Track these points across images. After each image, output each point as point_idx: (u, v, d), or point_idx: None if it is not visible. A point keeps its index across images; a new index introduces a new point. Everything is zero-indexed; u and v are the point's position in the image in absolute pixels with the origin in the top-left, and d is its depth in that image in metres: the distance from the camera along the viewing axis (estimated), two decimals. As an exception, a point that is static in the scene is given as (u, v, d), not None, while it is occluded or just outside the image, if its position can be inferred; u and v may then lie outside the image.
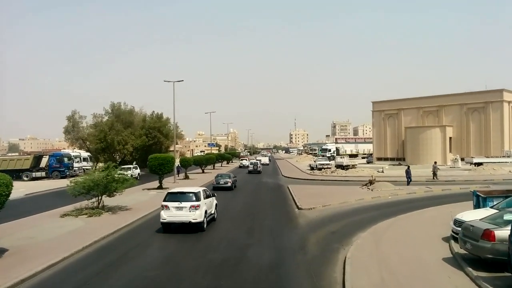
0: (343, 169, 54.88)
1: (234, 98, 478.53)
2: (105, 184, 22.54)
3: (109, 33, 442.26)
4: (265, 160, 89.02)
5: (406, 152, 68.26)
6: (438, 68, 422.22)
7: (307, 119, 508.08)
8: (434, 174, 40.69)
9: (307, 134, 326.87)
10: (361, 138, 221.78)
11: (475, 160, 49.24)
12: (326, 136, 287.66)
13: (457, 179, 40.95)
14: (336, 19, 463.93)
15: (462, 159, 58.36)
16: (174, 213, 18.20)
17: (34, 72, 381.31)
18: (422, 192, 30.75)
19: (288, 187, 37.34)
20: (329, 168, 56.90)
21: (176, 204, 18.32)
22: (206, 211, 18.96)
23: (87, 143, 68.46)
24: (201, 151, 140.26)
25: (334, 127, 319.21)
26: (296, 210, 24.59)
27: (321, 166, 58.11)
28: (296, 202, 27.15)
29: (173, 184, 41.78)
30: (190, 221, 17.96)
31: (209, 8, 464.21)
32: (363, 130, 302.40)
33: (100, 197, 23.39)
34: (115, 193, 23.47)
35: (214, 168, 71.09)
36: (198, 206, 18.28)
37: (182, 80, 43.82)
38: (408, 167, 38.26)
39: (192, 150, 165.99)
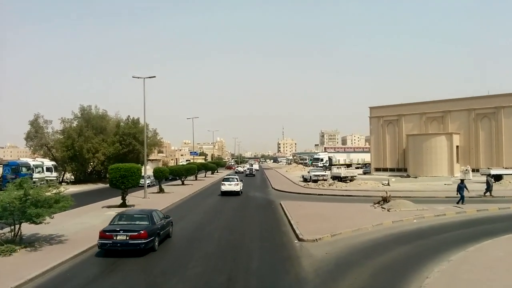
0: (340, 181, 48.39)
1: (221, 106, 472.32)
2: (20, 209, 15.46)
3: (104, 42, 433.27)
4: (256, 166, 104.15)
5: (408, 162, 62.04)
6: (438, 74, 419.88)
7: (295, 128, 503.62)
8: (489, 189, 32.96)
9: (295, 143, 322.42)
10: (351, 148, 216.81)
11: (493, 172, 43.16)
12: (315, 145, 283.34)
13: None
14: (326, 18, 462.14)
15: (474, 170, 52.27)
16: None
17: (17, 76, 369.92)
18: (453, 214, 24.16)
19: (281, 204, 30.61)
20: (325, 180, 50.27)
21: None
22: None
23: (53, 151, 61.00)
24: (186, 160, 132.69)
25: (323, 136, 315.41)
26: (296, 242, 17.78)
27: (316, 178, 51.42)
28: (294, 228, 20.38)
29: (143, 200, 34.76)
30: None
31: (202, 6, 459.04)
32: (352, 140, 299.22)
33: (16, 226, 16.30)
34: (40, 219, 16.15)
35: (196, 179, 64.05)
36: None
37: (154, 76, 37.09)
38: (462, 181, 29.87)
39: (176, 159, 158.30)
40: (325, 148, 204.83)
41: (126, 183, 28.50)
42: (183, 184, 52.79)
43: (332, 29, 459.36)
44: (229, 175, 48.12)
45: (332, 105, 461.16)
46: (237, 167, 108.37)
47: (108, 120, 64.59)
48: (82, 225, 21.49)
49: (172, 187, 49.23)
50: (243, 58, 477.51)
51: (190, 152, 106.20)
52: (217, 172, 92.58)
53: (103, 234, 15.24)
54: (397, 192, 35.21)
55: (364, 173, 69.25)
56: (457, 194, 28.51)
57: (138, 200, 33.94)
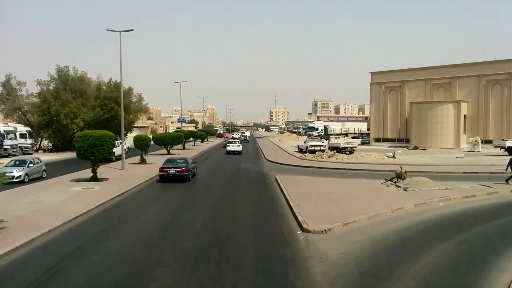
0: (339, 152, 44.40)
1: (213, 73, 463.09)
2: None
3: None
4: (247, 134, 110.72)
5: (411, 132, 58.02)
6: (444, 39, 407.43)
7: (287, 96, 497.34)
8: None
9: (288, 112, 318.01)
10: (344, 117, 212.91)
11: (509, 144, 39.36)
12: (308, 114, 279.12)
13: None
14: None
15: (483, 142, 48.56)
16: None
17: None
18: (483, 195, 20.25)
19: (276, 179, 26.70)
20: (323, 151, 46.24)
21: None
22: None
23: (28, 115, 56.10)
24: (177, 128, 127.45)
25: (316, 105, 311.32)
26: (299, 233, 13.83)
27: (313, 149, 47.30)
28: (294, 212, 16.43)
29: (120, 172, 30.56)
30: None
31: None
32: (345, 109, 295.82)
33: None
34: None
35: (184, 148, 59.78)
36: None
37: (132, 30, 32.04)
38: None
39: (166, 126, 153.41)
40: (318, 117, 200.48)
41: (96, 153, 24.17)
42: (168, 153, 48.50)
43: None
44: (232, 139, 65.17)
45: (326, 72, 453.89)
46: (233, 134, 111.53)
47: (88, 83, 59.33)
48: (34, 206, 17.31)
49: (156, 157, 44.95)
50: (235, 26, 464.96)
51: (178, 119, 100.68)
52: (207, 140, 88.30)
53: (161, 169, 26.10)
54: (405, 167, 31.40)
55: (362, 144, 65.42)
56: (506, 170, 24.10)
57: (113, 173, 29.76)
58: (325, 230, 13.72)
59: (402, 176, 22.66)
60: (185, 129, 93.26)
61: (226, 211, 17.49)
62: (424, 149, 41.97)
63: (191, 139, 71.17)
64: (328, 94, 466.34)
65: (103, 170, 29.64)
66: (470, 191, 20.65)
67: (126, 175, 28.47)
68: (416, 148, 42.89)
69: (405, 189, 20.71)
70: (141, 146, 37.09)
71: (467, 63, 57.32)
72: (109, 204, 18.59)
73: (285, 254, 11.55)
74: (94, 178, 25.13)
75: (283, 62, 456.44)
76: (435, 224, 14.93)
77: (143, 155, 39.78)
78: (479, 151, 46.61)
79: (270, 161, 41.19)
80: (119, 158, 35.61)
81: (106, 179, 26.05)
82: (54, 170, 31.56)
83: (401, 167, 23.30)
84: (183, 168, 25.88)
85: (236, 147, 52.48)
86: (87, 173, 26.26)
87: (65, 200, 18.93)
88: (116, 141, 36.12)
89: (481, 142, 48.67)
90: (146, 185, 25.17)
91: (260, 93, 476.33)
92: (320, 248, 11.99)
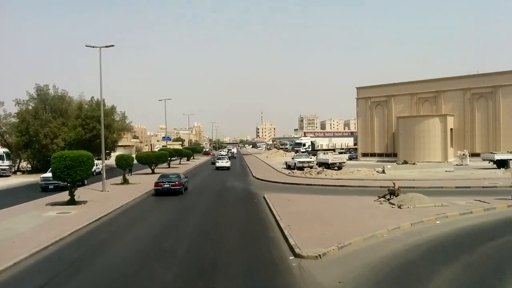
0: (328, 168, 43.58)
1: (199, 92, 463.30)
2: None
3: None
4: (234, 150, 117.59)
5: (398, 147, 57.74)
6: (428, 53, 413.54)
7: (274, 113, 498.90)
8: None
9: (274, 128, 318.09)
10: (330, 132, 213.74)
11: (497, 157, 39.01)
12: (295, 130, 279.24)
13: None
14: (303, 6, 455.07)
15: (472, 155, 48.32)
16: None
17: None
18: (480, 211, 19.41)
19: (265, 198, 25.59)
20: (312, 167, 45.41)
21: None
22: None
23: (6, 136, 54.22)
24: (163, 146, 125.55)
25: (302, 121, 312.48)
26: (291, 258, 12.70)
27: (301, 165, 46.46)
28: (285, 234, 15.32)
29: (101, 194, 29.09)
30: None
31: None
32: (331, 124, 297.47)
33: None
34: None
35: (169, 167, 58.32)
36: None
37: (112, 45, 30.88)
38: None
39: (151, 145, 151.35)
40: (304, 132, 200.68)
41: (73, 175, 22.76)
42: (153, 173, 47.08)
43: (312, 5, 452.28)
44: (220, 155, 72.41)
45: (311, 88, 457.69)
46: (221, 151, 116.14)
47: (69, 102, 57.87)
48: (2, 234, 15.85)
49: (140, 176, 43.57)
50: (220, 44, 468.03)
51: (163, 137, 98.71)
52: (193, 158, 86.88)
53: (157, 184, 28.65)
54: (397, 182, 30.65)
55: (350, 159, 64.81)
56: None
57: (93, 194, 28.26)
58: (319, 255, 12.61)
59: (396, 192, 21.80)
60: (171, 147, 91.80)
61: (212, 235, 16.28)
62: (414, 164, 41.39)
63: (177, 157, 69.81)
64: (314, 110, 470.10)
65: (82, 192, 28.18)
66: (467, 207, 19.82)
67: (106, 197, 27.02)
68: (405, 162, 42.34)
69: (399, 206, 19.79)
70: (124, 165, 35.63)
71: (452, 77, 57.58)
72: (84, 231, 17.17)
73: (277, 286, 10.41)
74: (72, 202, 23.64)
75: (268, 79, 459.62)
76: (436, 246, 13.95)
77: (127, 174, 38.33)
78: (467, 165, 46.28)
79: (258, 178, 40.09)
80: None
81: (84, 202, 24.58)
82: (27, 193, 30.01)
83: (394, 183, 22.43)
84: (177, 182, 28.62)
85: (224, 163, 56.11)
86: (65, 196, 24.76)
87: (37, 226, 17.49)
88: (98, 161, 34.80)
89: (469, 156, 48.38)
90: (127, 207, 23.77)
91: (246, 110, 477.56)
92: (316, 276, 10.89)
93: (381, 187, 29.77)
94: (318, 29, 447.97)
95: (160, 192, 28.12)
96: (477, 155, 52.33)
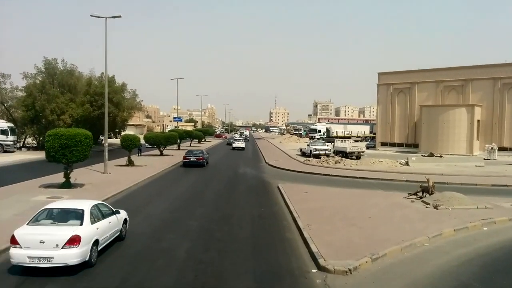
0: (345, 157, 40.89)
1: (213, 73, 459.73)
2: None
3: None
4: (247, 133, 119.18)
5: (420, 137, 54.51)
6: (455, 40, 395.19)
7: (287, 98, 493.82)
8: None
9: (288, 113, 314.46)
10: (345, 119, 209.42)
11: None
12: (309, 115, 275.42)
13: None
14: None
15: (500, 149, 45.20)
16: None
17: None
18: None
19: (279, 188, 23.24)
20: (328, 155, 42.76)
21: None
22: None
23: (12, 110, 52.49)
24: (175, 127, 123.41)
25: (316, 106, 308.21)
26: (314, 272, 10.31)
27: (317, 152, 43.81)
28: (305, 237, 12.93)
29: (101, 176, 27.02)
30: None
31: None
32: (345, 111, 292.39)
33: None
34: None
35: (179, 149, 56.13)
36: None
37: (120, 16, 28.43)
38: None
39: (163, 125, 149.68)
40: (318, 119, 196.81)
41: (68, 155, 20.56)
42: (161, 154, 44.98)
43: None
44: (236, 137, 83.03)
45: (327, 74, 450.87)
46: (235, 134, 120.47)
47: (79, 77, 55.71)
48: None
49: (147, 158, 41.48)
50: (237, 26, 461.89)
51: (174, 118, 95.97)
52: (205, 141, 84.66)
53: (185, 157, 35.40)
54: (420, 176, 27.92)
55: (368, 148, 61.79)
56: None
57: (93, 177, 26.19)
58: (349, 269, 10.18)
59: (430, 190, 19.14)
60: (183, 128, 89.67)
61: (219, 233, 13.92)
62: (440, 156, 38.40)
63: (188, 139, 67.69)
64: (329, 96, 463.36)
65: (82, 173, 26.16)
66: (513, 210, 17.13)
67: (107, 180, 24.86)
68: (431, 155, 39.36)
69: (435, 207, 17.17)
70: (129, 146, 33.41)
71: (481, 65, 53.81)
72: None
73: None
74: (67, 185, 21.55)
75: (283, 63, 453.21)
76: (492, 263, 11.39)
77: (136, 155, 36.31)
78: (495, 159, 43.17)
79: (271, 165, 37.64)
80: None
81: (81, 185, 22.51)
82: (25, 172, 28.09)
83: (427, 179, 19.75)
84: (201, 157, 35.58)
85: (240, 144, 63.32)
86: (61, 177, 22.58)
87: (20, 214, 15.30)
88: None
89: (497, 149, 45.24)
90: (126, 193, 21.54)
91: (260, 94, 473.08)
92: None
93: (407, 181, 27.42)
94: (335, 13, 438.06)
95: (187, 164, 34.68)
96: (505, 149, 49.15)
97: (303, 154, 47.57)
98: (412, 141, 57.46)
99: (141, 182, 25.39)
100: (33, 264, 9.43)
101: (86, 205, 11.06)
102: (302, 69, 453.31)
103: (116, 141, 52.30)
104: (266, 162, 40.65)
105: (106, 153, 29.04)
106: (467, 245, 12.80)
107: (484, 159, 41.92)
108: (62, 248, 9.45)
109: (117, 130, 58.81)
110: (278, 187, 23.74)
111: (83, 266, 9.81)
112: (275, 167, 36.32)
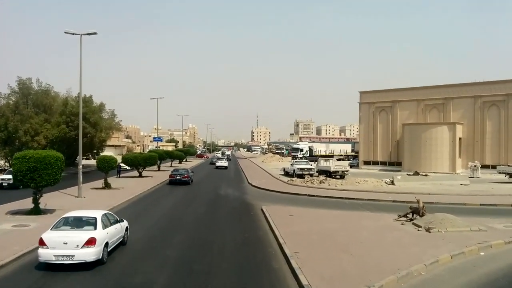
0: (329, 176, 40.12)
1: (194, 93, 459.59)
2: None
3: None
4: (229, 153, 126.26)
5: (403, 155, 54.42)
6: (434, 60, 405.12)
7: (269, 117, 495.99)
8: None
9: (270, 132, 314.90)
10: (326, 138, 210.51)
11: (514, 169, 35.86)
12: (290, 134, 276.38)
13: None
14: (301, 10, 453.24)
15: (482, 166, 45.18)
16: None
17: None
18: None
19: (263, 211, 22.16)
20: (312, 175, 41.98)
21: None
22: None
23: (-18, 132, 50.34)
24: (156, 147, 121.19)
25: (297, 125, 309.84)
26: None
27: (301, 172, 42.98)
28: (293, 268, 11.86)
29: (76, 201, 25.57)
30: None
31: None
32: (326, 130, 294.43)
33: None
34: None
35: (159, 170, 54.65)
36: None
37: (95, 33, 27.33)
38: None
39: (143, 145, 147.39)
40: (300, 137, 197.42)
41: (37, 179, 19.25)
42: (140, 176, 43.48)
43: (307, 7, 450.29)
44: (219, 157, 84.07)
45: (308, 93, 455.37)
46: (217, 153, 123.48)
47: (54, 97, 54.15)
48: None
49: (126, 180, 40.01)
50: (218, 45, 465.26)
51: (154, 138, 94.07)
52: (186, 161, 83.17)
53: (171, 176, 37.77)
54: (407, 196, 27.32)
55: (351, 166, 61.33)
56: None
57: (65, 201, 24.72)
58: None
59: (420, 211, 18.35)
60: (164, 148, 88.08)
61: (197, 265, 12.68)
62: (426, 175, 37.99)
63: (168, 159, 66.25)
64: (309, 115, 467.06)
65: (54, 197, 24.67)
66: (510, 233, 16.39)
67: (79, 205, 23.31)
68: (417, 173, 38.93)
69: (427, 230, 16.35)
70: (105, 168, 31.94)
71: (462, 83, 54.45)
72: (33, 256, 13.21)
73: None
74: (36, 211, 20.08)
75: (264, 82, 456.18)
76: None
77: (115, 177, 34.76)
78: (478, 177, 43.02)
79: (254, 186, 36.58)
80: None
81: (52, 210, 21.02)
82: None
83: (418, 200, 18.98)
84: (186, 175, 37.95)
85: (223, 163, 65.43)
86: (30, 202, 21.06)
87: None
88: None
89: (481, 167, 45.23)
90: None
91: (241, 113, 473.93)
92: None
93: (394, 201, 26.66)
94: (315, 33, 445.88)
95: (173, 182, 36.78)
96: (487, 166, 49.25)
97: (287, 174, 46.70)
98: (395, 159, 57.32)
99: (116, 206, 23.97)
100: (58, 261, 11.47)
101: (98, 214, 13.41)
102: (283, 88, 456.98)
103: (94, 162, 50.61)
104: (249, 183, 39.58)
105: (81, 176, 27.54)
106: (466, 272, 11.91)
107: (468, 177, 41.78)
108: (81, 248, 11.58)
109: (95, 151, 57.03)
110: (262, 210, 22.67)
111: (96, 263, 11.88)
112: (258, 187, 35.28)
